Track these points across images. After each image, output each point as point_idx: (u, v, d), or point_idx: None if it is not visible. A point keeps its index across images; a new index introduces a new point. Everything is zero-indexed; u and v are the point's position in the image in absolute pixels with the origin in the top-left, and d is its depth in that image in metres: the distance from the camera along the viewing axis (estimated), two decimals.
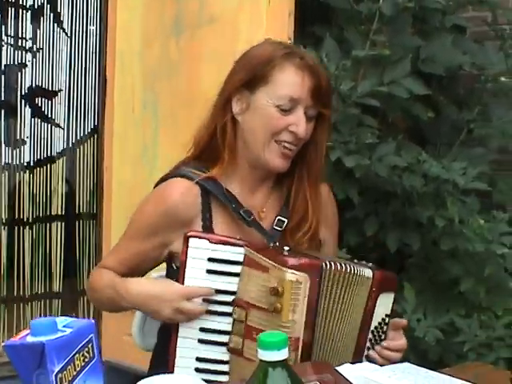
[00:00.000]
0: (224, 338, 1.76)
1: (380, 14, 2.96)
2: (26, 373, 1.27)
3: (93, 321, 1.36)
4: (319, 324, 1.72)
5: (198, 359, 1.76)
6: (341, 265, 1.75)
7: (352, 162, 2.78)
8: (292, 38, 2.93)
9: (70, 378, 1.29)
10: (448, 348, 2.76)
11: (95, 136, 4.03)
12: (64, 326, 1.32)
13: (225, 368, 1.76)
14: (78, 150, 4.14)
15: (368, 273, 1.79)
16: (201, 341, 1.76)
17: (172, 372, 1.75)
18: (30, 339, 1.28)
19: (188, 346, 1.76)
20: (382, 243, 2.96)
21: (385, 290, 1.81)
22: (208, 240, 1.76)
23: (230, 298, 1.75)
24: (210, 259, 1.75)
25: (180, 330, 1.76)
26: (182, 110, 3.26)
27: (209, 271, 1.75)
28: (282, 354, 1.20)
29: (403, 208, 2.95)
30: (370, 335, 1.82)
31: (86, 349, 1.33)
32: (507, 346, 2.71)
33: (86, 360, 1.33)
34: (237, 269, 1.75)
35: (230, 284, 1.75)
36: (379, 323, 1.83)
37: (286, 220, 1.91)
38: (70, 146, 4.14)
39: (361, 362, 1.79)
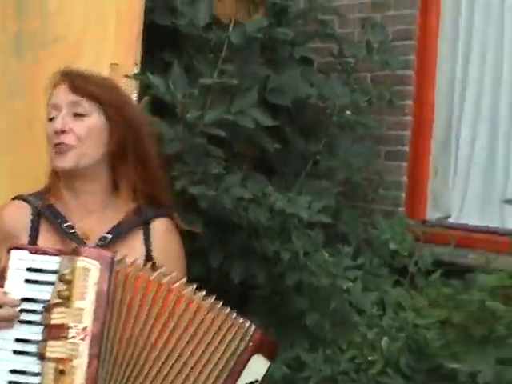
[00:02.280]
0: (36, 348, 1.74)
1: (229, 43, 2.95)
2: None
3: None
4: (115, 320, 1.72)
5: (12, 371, 1.73)
6: (145, 269, 1.80)
7: (197, 192, 2.73)
8: (139, 63, 2.86)
9: None
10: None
11: None
12: None
13: (36, 380, 1.72)
14: None
15: (247, 324, 1.84)
16: (16, 352, 1.74)
17: None
18: None
19: (2, 358, 1.74)
20: (227, 275, 2.91)
21: (264, 351, 1.83)
22: (28, 250, 1.81)
23: (40, 307, 1.76)
24: (28, 269, 1.78)
25: None
26: (20, 134, 3.11)
27: (27, 281, 1.78)
28: None
29: (249, 240, 2.92)
30: None
31: None
32: (351, 380, 2.72)
33: None
34: (52, 277, 1.76)
35: (45, 293, 1.76)
36: None
37: (110, 236, 1.96)
38: None
39: None
